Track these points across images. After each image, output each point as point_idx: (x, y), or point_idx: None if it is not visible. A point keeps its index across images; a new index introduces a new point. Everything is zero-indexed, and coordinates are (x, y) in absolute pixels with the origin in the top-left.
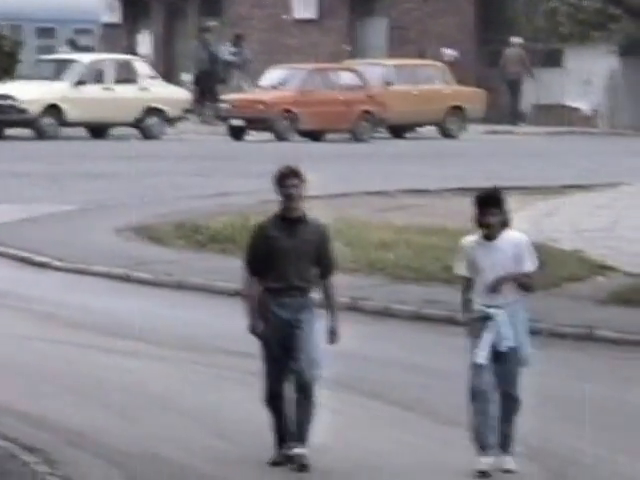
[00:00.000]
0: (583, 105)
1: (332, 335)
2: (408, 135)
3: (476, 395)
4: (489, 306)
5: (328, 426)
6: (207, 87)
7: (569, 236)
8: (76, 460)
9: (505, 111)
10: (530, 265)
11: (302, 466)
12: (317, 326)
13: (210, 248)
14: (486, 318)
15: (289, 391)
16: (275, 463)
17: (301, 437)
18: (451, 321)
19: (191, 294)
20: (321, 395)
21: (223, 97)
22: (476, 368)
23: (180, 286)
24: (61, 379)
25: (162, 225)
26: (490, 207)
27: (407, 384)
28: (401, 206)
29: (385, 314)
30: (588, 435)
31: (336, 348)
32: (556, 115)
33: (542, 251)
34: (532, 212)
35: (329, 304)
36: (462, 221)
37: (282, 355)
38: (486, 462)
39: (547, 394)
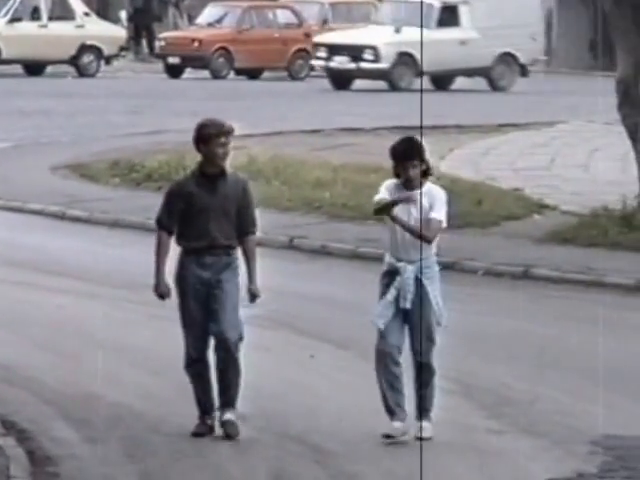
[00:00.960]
0: None
1: (252, 296)
2: None
3: (379, 358)
4: (399, 260)
5: (264, 365)
6: (142, 24)
7: (507, 175)
8: (9, 397)
9: None
10: (438, 215)
11: (229, 435)
12: (239, 285)
13: (146, 186)
14: (395, 272)
15: (212, 357)
16: (197, 434)
17: (228, 403)
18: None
19: (126, 232)
20: (257, 334)
21: (159, 35)
22: (379, 330)
23: (115, 224)
24: None
25: (97, 163)
26: (410, 159)
27: (343, 322)
28: (337, 145)
29: (322, 252)
30: (525, 373)
31: (273, 286)
32: None
33: (480, 190)
34: (469, 151)
35: (249, 264)
36: None
37: (202, 318)
38: (394, 427)
39: (484, 332)
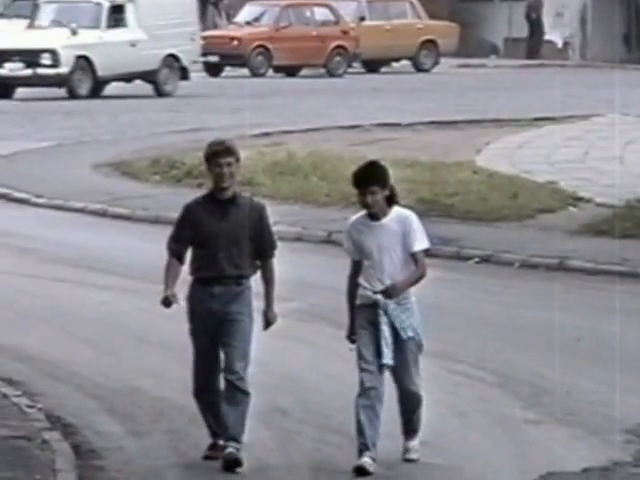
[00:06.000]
0: (555, 37)
1: (267, 322)
2: (382, 69)
3: (364, 391)
4: (376, 292)
5: (304, 358)
6: None
7: (542, 168)
8: (55, 393)
9: (477, 44)
10: (420, 244)
11: (229, 465)
12: (252, 314)
13: (186, 183)
14: (374, 305)
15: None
16: (209, 457)
17: (232, 437)
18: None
19: (167, 229)
20: (296, 327)
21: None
22: (364, 364)
23: (157, 221)
24: (39, 312)
25: (138, 161)
26: (369, 185)
27: None
28: (375, 140)
29: None
30: (561, 364)
31: (312, 280)
32: None
33: (516, 183)
34: (505, 145)
35: (267, 290)
36: (434, 154)
37: (212, 349)
38: (364, 461)
39: (519, 324)
